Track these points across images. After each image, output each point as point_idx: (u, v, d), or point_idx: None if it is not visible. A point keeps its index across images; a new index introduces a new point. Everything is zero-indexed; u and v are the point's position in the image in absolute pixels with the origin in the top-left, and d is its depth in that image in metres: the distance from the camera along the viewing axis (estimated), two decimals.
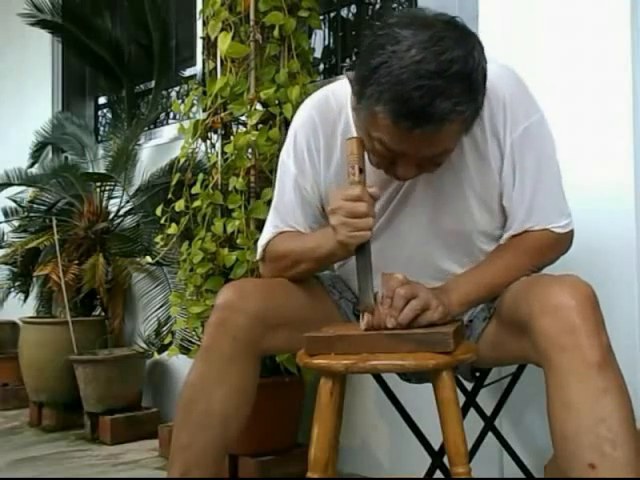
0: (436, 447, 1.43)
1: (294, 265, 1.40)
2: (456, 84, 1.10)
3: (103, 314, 3.20)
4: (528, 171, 1.31)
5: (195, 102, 2.36)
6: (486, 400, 1.55)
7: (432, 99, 1.09)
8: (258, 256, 1.51)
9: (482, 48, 1.16)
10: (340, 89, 1.40)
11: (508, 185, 1.33)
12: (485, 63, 1.16)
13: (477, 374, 1.49)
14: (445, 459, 1.22)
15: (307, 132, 1.41)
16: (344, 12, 2.77)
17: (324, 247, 1.31)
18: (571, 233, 1.37)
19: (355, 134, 1.35)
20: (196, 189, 2.20)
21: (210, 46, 2.28)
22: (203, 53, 2.36)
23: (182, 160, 2.30)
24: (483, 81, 1.16)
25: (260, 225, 1.54)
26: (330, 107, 1.39)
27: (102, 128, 4.03)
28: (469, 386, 1.50)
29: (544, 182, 1.32)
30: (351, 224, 1.20)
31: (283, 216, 1.46)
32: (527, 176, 1.32)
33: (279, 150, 1.50)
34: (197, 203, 2.18)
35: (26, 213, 3.49)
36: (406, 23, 1.14)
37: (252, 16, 2.16)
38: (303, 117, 1.43)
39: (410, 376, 1.50)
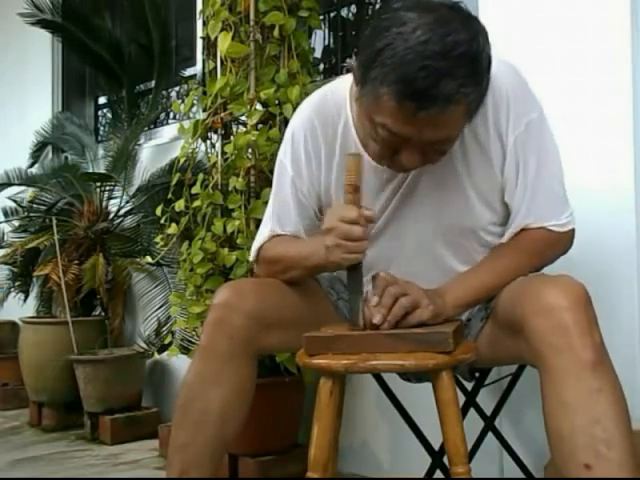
0: (436, 447, 1.43)
1: (285, 270, 1.40)
2: (461, 66, 1.10)
3: (103, 314, 3.20)
4: (529, 168, 1.31)
5: (195, 102, 2.36)
6: (486, 400, 1.55)
7: (437, 80, 1.08)
8: (252, 258, 1.51)
9: (486, 35, 1.15)
10: (338, 88, 1.39)
11: (511, 182, 1.32)
12: (489, 50, 1.15)
13: (476, 374, 1.48)
14: (445, 459, 1.22)
15: (305, 133, 1.40)
16: (344, 12, 2.77)
17: (316, 258, 1.30)
18: (571, 232, 1.36)
19: (354, 134, 1.35)
20: (196, 189, 2.20)
21: (210, 46, 2.28)
22: (203, 53, 2.36)
23: (182, 160, 2.30)
24: (487, 67, 1.15)
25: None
26: (329, 107, 1.38)
27: (102, 128, 4.03)
28: (469, 386, 1.50)
29: (543, 179, 1.32)
30: (345, 246, 1.20)
31: (278, 218, 1.45)
32: (528, 173, 1.31)
33: (279, 150, 1.49)
34: (197, 203, 2.18)
35: (26, 213, 3.49)
36: (411, 7, 1.14)
37: (252, 16, 2.16)
38: (302, 118, 1.42)
39: (410, 376, 1.50)
